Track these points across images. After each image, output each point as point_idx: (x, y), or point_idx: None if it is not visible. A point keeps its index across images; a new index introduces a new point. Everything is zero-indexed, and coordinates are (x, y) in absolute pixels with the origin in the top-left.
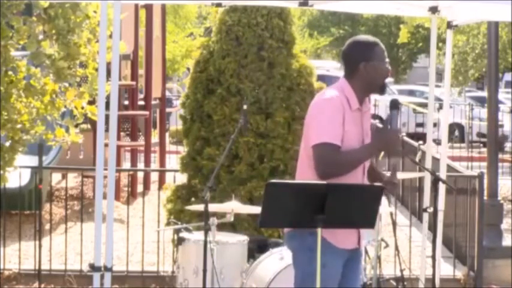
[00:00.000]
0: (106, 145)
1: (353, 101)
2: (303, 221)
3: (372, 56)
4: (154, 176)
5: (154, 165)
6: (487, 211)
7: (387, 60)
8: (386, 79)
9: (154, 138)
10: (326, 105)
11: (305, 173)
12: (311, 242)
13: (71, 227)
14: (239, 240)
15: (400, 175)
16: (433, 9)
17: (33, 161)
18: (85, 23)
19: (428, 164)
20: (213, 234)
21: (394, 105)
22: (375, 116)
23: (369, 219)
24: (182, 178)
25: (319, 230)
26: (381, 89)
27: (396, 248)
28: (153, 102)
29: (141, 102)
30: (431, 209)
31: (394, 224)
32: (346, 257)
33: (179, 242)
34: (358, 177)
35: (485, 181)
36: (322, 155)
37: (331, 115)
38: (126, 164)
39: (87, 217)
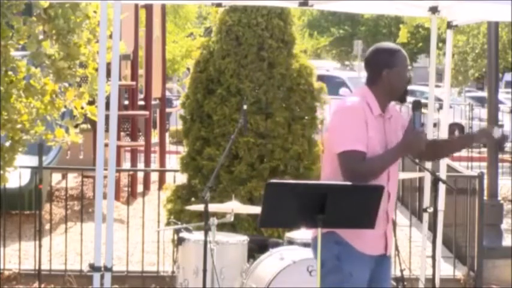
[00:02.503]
0: (106, 145)
1: (375, 107)
2: (303, 221)
3: (395, 63)
4: (154, 176)
5: (154, 165)
6: (487, 211)
7: (409, 67)
8: (408, 86)
9: (154, 138)
10: (348, 112)
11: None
12: (338, 251)
13: (71, 227)
14: (239, 240)
15: (400, 175)
16: (433, 9)
17: (33, 161)
18: (85, 23)
19: (428, 164)
20: (213, 234)
21: (417, 106)
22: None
23: (369, 219)
24: (182, 178)
25: (319, 230)
26: (403, 96)
27: (396, 248)
28: (153, 102)
29: (141, 102)
30: (431, 209)
31: (394, 224)
32: (374, 264)
33: (179, 242)
34: (382, 182)
35: (485, 181)
36: (349, 162)
37: (354, 121)
38: (126, 164)
39: (87, 217)
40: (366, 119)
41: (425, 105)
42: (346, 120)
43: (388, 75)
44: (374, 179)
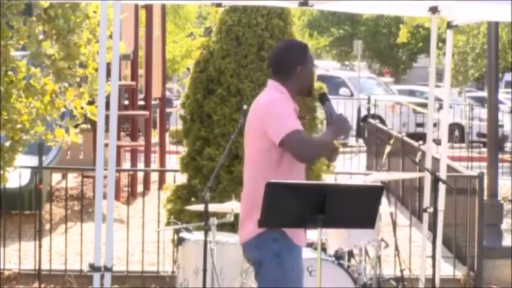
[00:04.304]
0: (106, 145)
1: (291, 102)
2: (303, 221)
3: (307, 59)
4: (154, 176)
5: (154, 165)
6: (487, 211)
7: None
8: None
9: (154, 138)
10: (278, 102)
11: (265, 177)
12: (277, 248)
13: (71, 227)
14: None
15: (400, 175)
16: (433, 9)
17: (33, 161)
18: (85, 23)
19: (428, 164)
20: (213, 234)
21: (325, 97)
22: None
23: (369, 219)
24: (182, 178)
25: (319, 230)
26: (310, 91)
27: (396, 248)
28: (153, 102)
29: (141, 102)
30: (431, 209)
31: (394, 224)
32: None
33: (179, 242)
34: (302, 173)
35: (485, 181)
36: (300, 139)
37: (287, 108)
38: (126, 164)
39: (87, 217)
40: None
41: (425, 105)
42: (279, 108)
43: (301, 71)
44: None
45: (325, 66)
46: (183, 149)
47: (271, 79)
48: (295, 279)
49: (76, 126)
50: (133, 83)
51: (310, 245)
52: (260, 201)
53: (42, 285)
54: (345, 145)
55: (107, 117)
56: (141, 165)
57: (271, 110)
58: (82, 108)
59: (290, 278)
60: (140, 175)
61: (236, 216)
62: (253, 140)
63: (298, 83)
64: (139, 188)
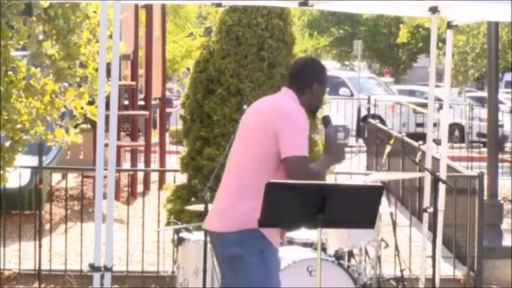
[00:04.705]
0: (106, 145)
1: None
2: (303, 221)
3: (324, 79)
4: (154, 176)
5: (155, 165)
6: (487, 211)
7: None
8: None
9: (154, 138)
10: (302, 116)
11: (263, 178)
12: (261, 245)
13: (71, 227)
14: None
15: (400, 175)
16: (433, 9)
17: (33, 161)
18: (85, 23)
19: (428, 164)
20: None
21: (328, 121)
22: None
23: (369, 219)
24: (182, 178)
25: (319, 230)
26: (316, 111)
27: (396, 248)
28: (153, 102)
29: (141, 102)
30: (431, 209)
31: (394, 224)
32: None
33: (179, 242)
34: None
35: (485, 181)
36: (302, 167)
37: (304, 127)
38: (126, 164)
39: (87, 217)
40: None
41: (425, 105)
42: (297, 123)
43: (317, 89)
44: None
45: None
46: (183, 149)
47: (287, 87)
48: (276, 277)
49: (76, 126)
50: (133, 83)
51: (310, 245)
52: (249, 194)
53: (42, 285)
54: (344, 145)
55: (107, 117)
56: (141, 165)
57: (294, 121)
58: (82, 108)
59: (273, 275)
60: (140, 175)
61: None
62: (258, 135)
63: (311, 99)
64: (140, 188)
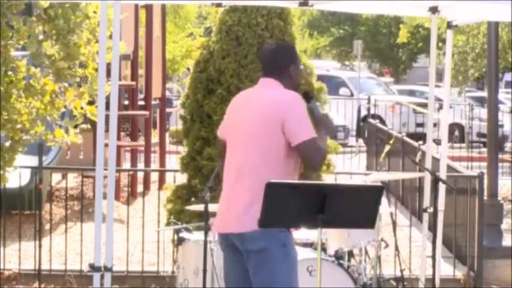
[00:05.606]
0: (106, 145)
1: None
2: (303, 221)
3: (297, 58)
4: (154, 176)
5: (154, 165)
6: (487, 211)
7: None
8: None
9: (154, 138)
10: (300, 102)
11: (276, 174)
12: (284, 238)
13: (71, 227)
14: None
15: (400, 175)
16: (433, 9)
17: (33, 161)
18: (85, 23)
19: (428, 164)
20: (213, 234)
21: (309, 96)
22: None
23: (369, 219)
24: (182, 178)
25: (319, 230)
26: (297, 88)
27: (396, 248)
28: (153, 102)
29: (141, 102)
30: (431, 209)
31: (394, 224)
32: None
33: (179, 242)
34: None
35: (485, 181)
36: (317, 148)
37: (305, 109)
38: (126, 164)
39: (87, 217)
40: None
41: (425, 105)
42: (301, 108)
43: (293, 70)
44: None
45: (325, 66)
46: (183, 149)
47: (267, 77)
48: (297, 270)
49: (76, 126)
50: (133, 83)
51: (310, 245)
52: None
53: (42, 285)
54: (345, 145)
55: (107, 117)
56: (141, 165)
57: (294, 109)
58: (82, 108)
59: (295, 268)
60: (140, 175)
61: None
62: (264, 132)
63: (291, 81)
64: (140, 188)
